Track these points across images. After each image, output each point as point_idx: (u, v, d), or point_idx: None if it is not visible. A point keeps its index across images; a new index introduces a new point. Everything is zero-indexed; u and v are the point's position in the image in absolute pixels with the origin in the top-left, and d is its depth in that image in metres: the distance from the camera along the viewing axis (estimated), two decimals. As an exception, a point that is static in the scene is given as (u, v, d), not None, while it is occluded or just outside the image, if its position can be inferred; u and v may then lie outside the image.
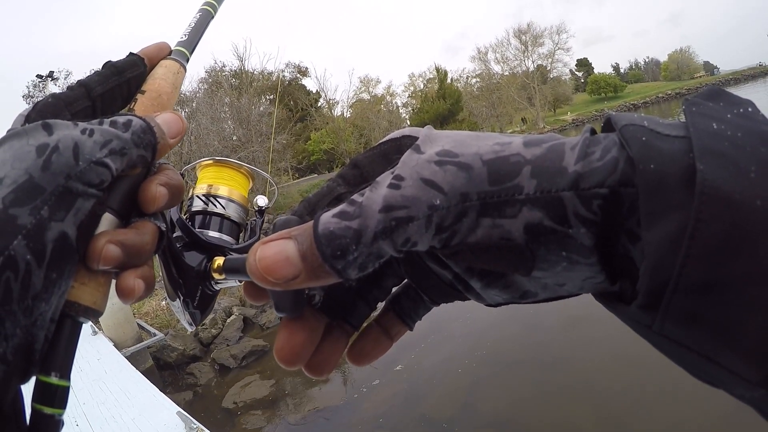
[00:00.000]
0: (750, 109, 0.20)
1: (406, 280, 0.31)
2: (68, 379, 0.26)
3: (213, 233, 0.41)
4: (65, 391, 0.26)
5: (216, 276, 0.35)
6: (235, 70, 25.87)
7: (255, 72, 26.39)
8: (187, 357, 6.43)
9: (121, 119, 0.29)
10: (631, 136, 0.20)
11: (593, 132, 0.23)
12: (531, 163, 0.22)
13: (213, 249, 0.39)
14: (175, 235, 0.39)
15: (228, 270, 0.34)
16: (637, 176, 0.19)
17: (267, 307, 8.06)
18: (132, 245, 0.27)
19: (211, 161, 0.45)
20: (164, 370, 6.18)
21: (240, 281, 0.34)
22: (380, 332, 0.31)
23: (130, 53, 0.36)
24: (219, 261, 0.34)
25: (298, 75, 35.22)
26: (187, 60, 0.40)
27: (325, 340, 0.30)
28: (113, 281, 0.28)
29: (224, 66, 26.92)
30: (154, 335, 6.11)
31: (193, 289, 0.38)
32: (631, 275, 0.21)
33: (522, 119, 42.49)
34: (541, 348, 4.61)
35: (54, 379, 0.25)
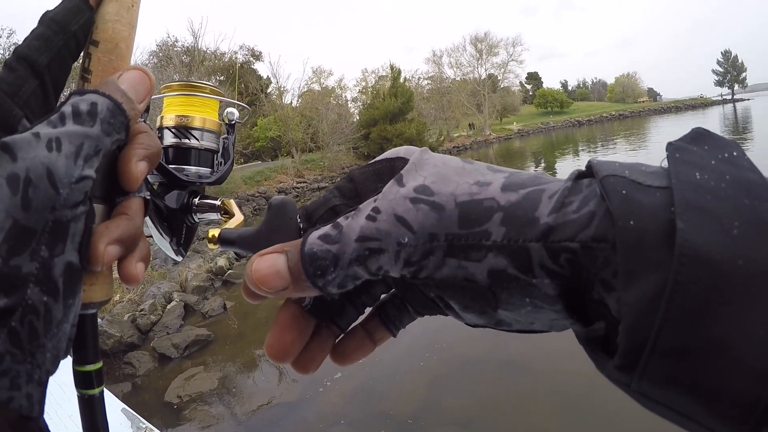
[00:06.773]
0: (735, 153, 0.20)
1: (393, 290, 0.32)
2: (100, 360, 0.31)
3: (190, 168, 0.40)
4: (100, 370, 0.31)
5: (211, 246, 0.35)
6: (188, 47, 24.62)
7: (208, 50, 25.31)
8: (125, 345, 5.90)
9: (83, 106, 0.25)
10: (611, 189, 0.20)
11: (580, 176, 0.23)
12: (503, 209, 0.22)
13: (191, 184, 0.40)
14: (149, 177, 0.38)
15: (224, 242, 0.33)
16: (616, 233, 0.19)
17: (209, 294, 7.65)
18: (128, 237, 0.27)
19: (179, 91, 0.41)
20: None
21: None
22: (364, 336, 0.32)
23: None
24: (213, 232, 0.34)
25: (251, 58, 34.14)
26: None
27: (314, 339, 0.31)
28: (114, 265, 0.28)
29: (176, 41, 25.70)
30: (88, 320, 5.58)
31: (179, 227, 0.39)
32: (606, 319, 0.21)
33: (469, 125, 43.59)
34: (501, 344, 4.62)
35: (89, 367, 0.30)
